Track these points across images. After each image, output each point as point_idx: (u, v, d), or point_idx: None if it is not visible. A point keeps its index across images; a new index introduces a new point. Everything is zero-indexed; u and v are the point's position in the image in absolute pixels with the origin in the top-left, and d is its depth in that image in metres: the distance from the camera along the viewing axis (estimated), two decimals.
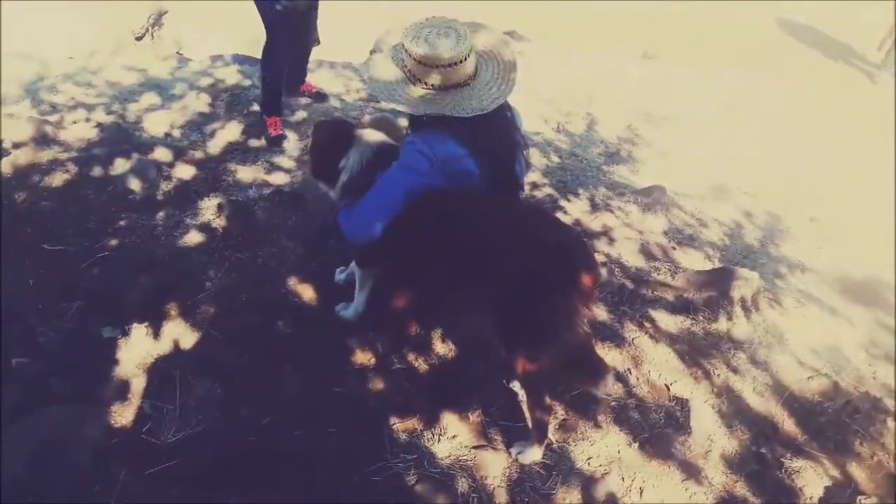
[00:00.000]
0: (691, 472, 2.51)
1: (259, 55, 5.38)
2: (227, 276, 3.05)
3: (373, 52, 6.10)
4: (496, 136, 2.54)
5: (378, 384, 2.63)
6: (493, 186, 2.53)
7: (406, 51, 2.39)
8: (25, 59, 5.34)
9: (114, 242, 3.19)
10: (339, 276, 3.07)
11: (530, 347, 2.26)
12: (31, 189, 3.47)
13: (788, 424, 2.78)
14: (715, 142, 5.19)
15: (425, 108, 2.42)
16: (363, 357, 2.73)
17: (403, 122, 3.74)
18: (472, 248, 2.29)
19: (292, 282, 3.04)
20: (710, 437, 2.65)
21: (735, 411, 2.79)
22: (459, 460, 2.42)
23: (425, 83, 2.42)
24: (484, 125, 2.46)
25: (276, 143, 4.32)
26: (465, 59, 2.37)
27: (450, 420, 2.54)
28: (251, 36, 6.98)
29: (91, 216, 3.34)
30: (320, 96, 4.95)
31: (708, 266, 3.60)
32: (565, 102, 5.49)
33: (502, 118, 2.57)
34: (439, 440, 2.47)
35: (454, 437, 2.49)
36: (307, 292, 3.01)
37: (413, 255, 2.54)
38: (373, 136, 2.65)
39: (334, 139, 2.65)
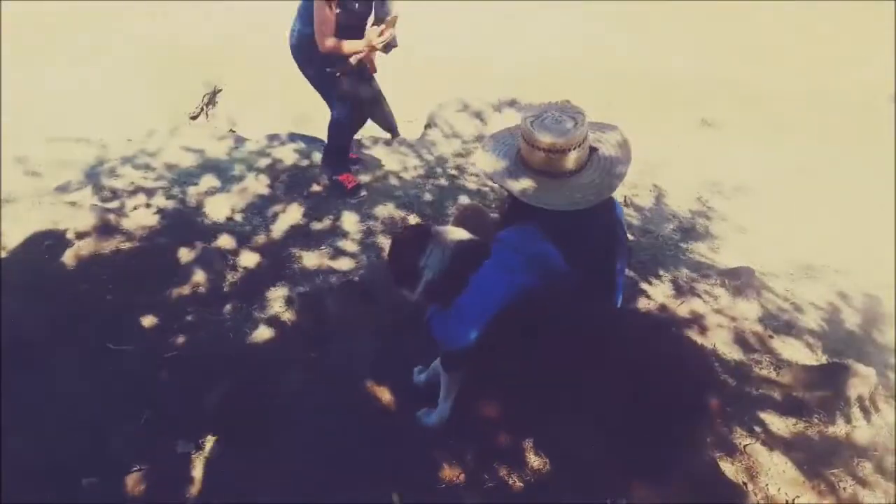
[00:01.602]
0: None
1: (309, 132, 5.47)
2: (299, 378, 2.86)
3: (428, 126, 6.03)
4: (596, 236, 2.35)
5: None
6: (587, 290, 2.32)
7: (521, 131, 2.27)
8: (85, 143, 5.36)
9: (181, 341, 3.03)
10: (419, 376, 2.86)
11: (652, 475, 2.02)
12: (94, 282, 3.36)
13: None
14: (793, 215, 4.92)
15: (525, 195, 2.28)
16: (451, 472, 2.49)
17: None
18: (583, 358, 2.08)
19: (368, 383, 2.84)
20: None
21: None
22: None
23: (531, 167, 2.27)
24: (584, 224, 2.28)
25: (354, 194, 4.52)
26: (573, 148, 2.22)
27: None
28: (300, 111, 7.07)
29: (157, 311, 3.20)
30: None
31: (810, 357, 3.31)
32: (629, 174, 5.29)
33: (607, 218, 2.38)
34: None
35: None
36: (384, 395, 2.81)
37: (511, 360, 2.33)
38: (454, 233, 2.46)
39: (414, 238, 2.48)
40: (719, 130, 6.76)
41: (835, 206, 5.04)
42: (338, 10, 3.78)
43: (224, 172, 4.89)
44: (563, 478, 2.52)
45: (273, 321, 3.22)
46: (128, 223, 3.94)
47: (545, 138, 2.20)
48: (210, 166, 4.98)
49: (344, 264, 3.82)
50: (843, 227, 4.76)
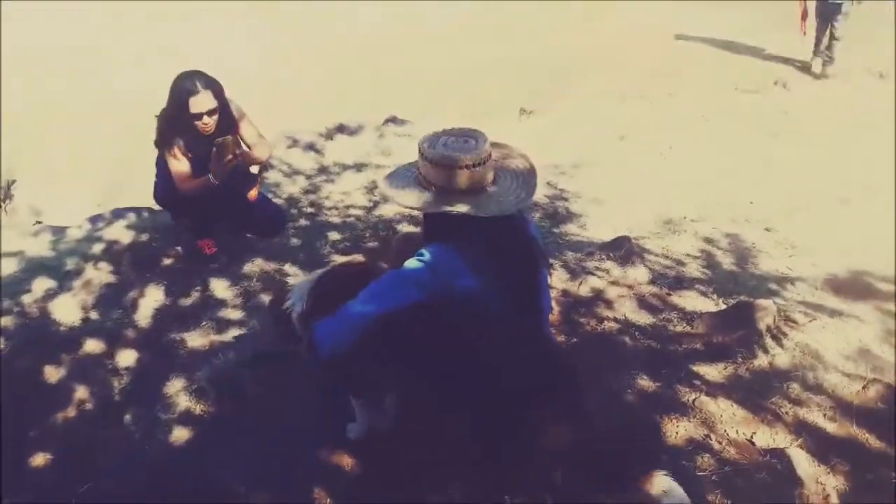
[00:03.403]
0: None
1: (127, 202, 5.00)
2: (242, 474, 2.57)
3: (262, 169, 5.73)
4: (514, 254, 2.33)
5: None
6: (513, 311, 2.29)
7: (428, 161, 2.18)
8: None
9: (89, 470, 2.61)
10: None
11: None
12: None
13: (873, 441, 2.72)
14: (633, 177, 5.30)
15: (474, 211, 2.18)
16: None
17: None
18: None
19: (325, 452, 2.62)
20: (818, 480, 2.52)
21: (822, 445, 2.67)
22: None
23: (457, 191, 2.19)
24: (501, 245, 2.26)
25: (213, 260, 4.21)
26: (487, 161, 2.19)
27: None
28: (107, 181, 6.47)
29: (46, 446, 2.73)
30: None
31: (710, 303, 3.56)
32: None
33: (524, 236, 2.38)
34: None
35: None
36: (344, 460, 2.60)
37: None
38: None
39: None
40: (539, 116, 7.11)
41: (663, 159, 5.48)
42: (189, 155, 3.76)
43: (56, 270, 4.29)
44: None
45: (187, 418, 2.88)
46: None
47: (466, 156, 2.14)
48: (37, 267, 4.35)
49: (235, 335, 3.51)
50: (678, 177, 5.20)
